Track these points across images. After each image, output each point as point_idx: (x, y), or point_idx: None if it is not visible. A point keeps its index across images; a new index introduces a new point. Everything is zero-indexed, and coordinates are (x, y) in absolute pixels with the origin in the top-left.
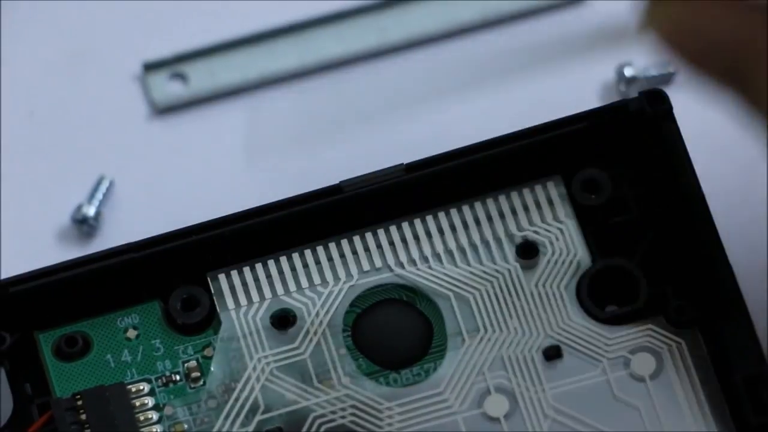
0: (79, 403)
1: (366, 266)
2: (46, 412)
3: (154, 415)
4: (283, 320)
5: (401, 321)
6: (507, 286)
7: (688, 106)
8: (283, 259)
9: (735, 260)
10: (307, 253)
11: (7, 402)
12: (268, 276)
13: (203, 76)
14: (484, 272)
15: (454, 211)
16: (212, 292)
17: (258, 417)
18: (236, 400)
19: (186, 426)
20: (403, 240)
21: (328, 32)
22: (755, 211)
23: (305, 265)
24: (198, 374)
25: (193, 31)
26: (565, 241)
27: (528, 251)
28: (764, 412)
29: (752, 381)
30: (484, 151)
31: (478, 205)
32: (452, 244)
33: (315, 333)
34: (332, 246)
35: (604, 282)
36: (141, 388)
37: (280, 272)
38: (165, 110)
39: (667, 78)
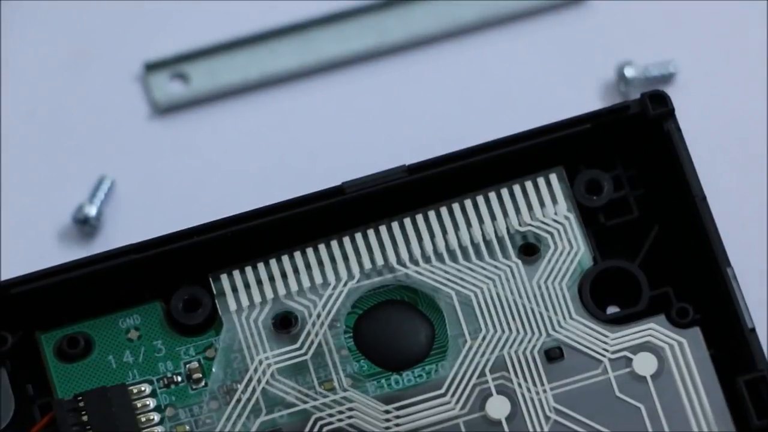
0: (81, 404)
1: (367, 265)
2: (48, 413)
3: (155, 417)
4: (285, 321)
5: (403, 322)
6: (509, 283)
7: (689, 106)
8: (285, 259)
9: (735, 260)
10: (309, 252)
11: (8, 402)
12: (270, 277)
13: (204, 76)
14: (486, 269)
15: (456, 206)
16: (214, 293)
17: (260, 419)
18: (238, 401)
19: (188, 427)
20: (405, 237)
21: (329, 32)
22: (755, 211)
23: (307, 266)
24: (199, 375)
25: (194, 32)
26: (567, 237)
27: (530, 247)
28: (767, 415)
29: (754, 384)
30: (486, 152)
31: (480, 200)
32: (454, 241)
33: (316, 334)
34: (334, 245)
35: (606, 283)
36: (143, 389)
37: (282, 273)
38: (166, 110)
39: (668, 78)
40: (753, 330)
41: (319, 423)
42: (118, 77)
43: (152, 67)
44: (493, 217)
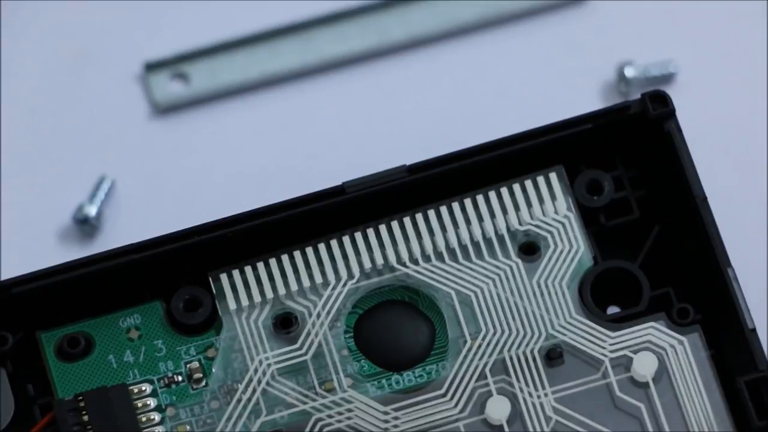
0: (82, 404)
1: (367, 264)
2: (48, 413)
3: (156, 416)
4: (285, 321)
5: (403, 322)
6: (509, 283)
7: (689, 106)
8: (285, 259)
9: (736, 260)
10: (309, 251)
11: (9, 402)
12: (270, 276)
13: (204, 76)
14: (486, 269)
15: (456, 205)
16: (214, 292)
17: (260, 419)
18: (238, 401)
19: (188, 427)
20: (405, 236)
21: (329, 32)
22: (756, 211)
23: (307, 265)
24: (200, 375)
25: (194, 31)
26: (567, 236)
27: (530, 246)
28: (767, 416)
29: (755, 385)
30: (486, 152)
31: (480, 199)
32: (454, 240)
33: (316, 334)
34: (334, 244)
35: (607, 283)
36: (143, 389)
37: (282, 272)
38: (166, 110)
39: (668, 78)
40: (753, 330)
41: (320, 424)
42: (118, 77)
43: (152, 67)
44: (492, 216)
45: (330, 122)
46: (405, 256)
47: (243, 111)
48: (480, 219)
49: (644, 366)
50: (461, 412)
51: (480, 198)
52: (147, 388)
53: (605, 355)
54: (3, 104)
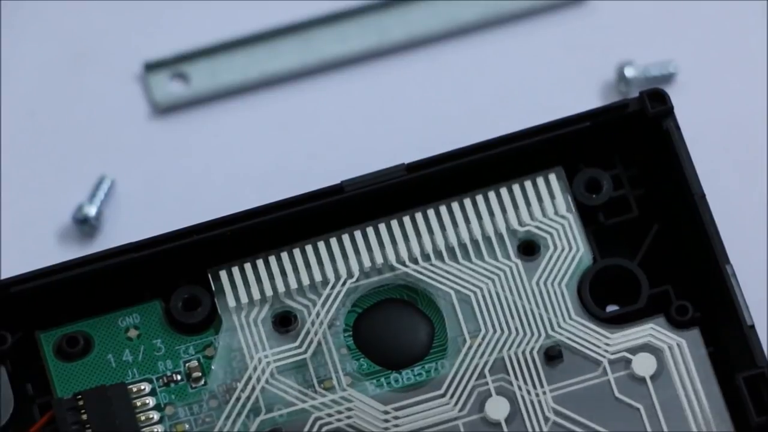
0: (80, 403)
1: (367, 263)
2: (47, 412)
3: (155, 415)
4: (284, 320)
5: (402, 321)
6: (508, 283)
7: (689, 105)
8: (285, 257)
9: (735, 258)
10: (309, 250)
11: (8, 401)
12: (270, 275)
13: (204, 76)
14: (486, 269)
15: (455, 205)
16: (213, 291)
17: (260, 417)
18: (237, 400)
19: (187, 426)
20: (404, 236)
21: (329, 32)
22: (755, 211)
23: (306, 264)
24: (199, 374)
25: (194, 31)
26: (566, 237)
27: (529, 247)
28: (766, 412)
29: (753, 381)
30: (485, 150)
31: (479, 199)
32: (453, 240)
33: (316, 333)
34: (333, 243)
35: (606, 282)
36: (142, 387)
37: (282, 271)
38: (166, 110)
39: (668, 78)
40: (752, 327)
41: (319, 422)
42: (118, 77)
43: (152, 67)
44: (492, 216)
45: (330, 122)
46: (404, 255)
47: (243, 111)
48: (479, 219)
49: (643, 364)
50: (460, 410)
51: (479, 198)
52: (146, 387)
53: (604, 354)
54: (3, 104)
